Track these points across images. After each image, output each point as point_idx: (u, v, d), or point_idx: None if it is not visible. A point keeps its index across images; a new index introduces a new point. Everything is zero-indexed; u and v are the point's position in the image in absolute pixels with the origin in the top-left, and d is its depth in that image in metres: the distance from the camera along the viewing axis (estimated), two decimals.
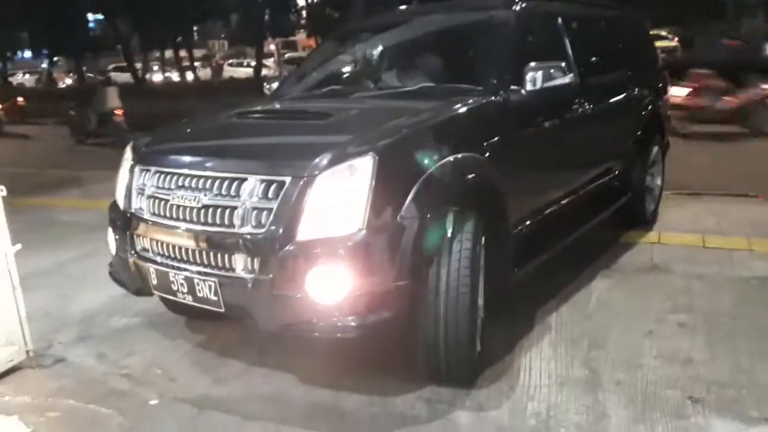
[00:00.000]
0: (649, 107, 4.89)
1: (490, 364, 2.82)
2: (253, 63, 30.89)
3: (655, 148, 5.00)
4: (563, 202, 3.75)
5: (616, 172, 4.52)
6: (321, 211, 2.35)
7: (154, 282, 2.72)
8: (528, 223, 3.33)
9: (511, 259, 3.04)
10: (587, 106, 3.84)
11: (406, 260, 2.38)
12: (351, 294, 2.31)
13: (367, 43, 4.28)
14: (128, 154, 3.01)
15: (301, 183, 2.34)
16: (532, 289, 3.60)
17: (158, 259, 2.71)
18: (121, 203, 2.94)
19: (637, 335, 3.06)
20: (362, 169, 2.35)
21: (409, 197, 2.41)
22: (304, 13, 31.04)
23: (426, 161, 2.55)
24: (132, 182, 2.87)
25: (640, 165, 4.73)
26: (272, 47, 36.73)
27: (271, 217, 2.36)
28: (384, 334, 2.52)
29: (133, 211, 2.83)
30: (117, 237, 2.94)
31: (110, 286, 3.79)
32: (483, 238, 2.69)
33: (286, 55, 34.61)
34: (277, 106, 3.65)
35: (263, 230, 2.37)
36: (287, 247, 2.33)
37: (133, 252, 2.81)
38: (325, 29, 28.54)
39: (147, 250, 2.77)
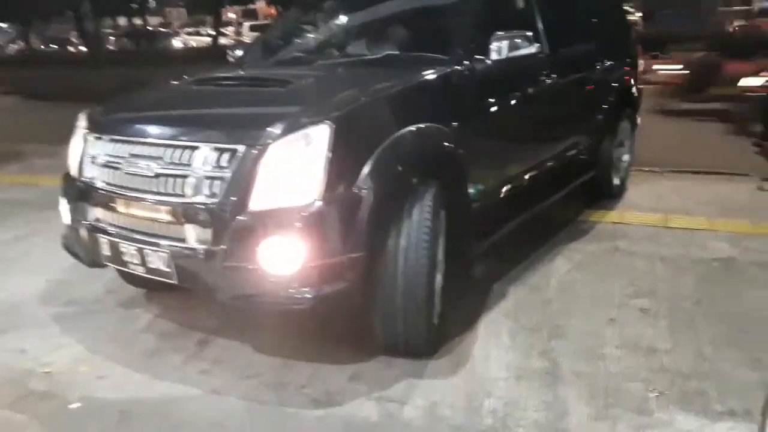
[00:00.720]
0: (621, 81, 4.85)
1: (445, 355, 2.67)
2: (212, 32, 29.91)
3: (625, 122, 4.92)
4: (529, 174, 3.69)
5: (584, 146, 4.45)
6: (275, 180, 2.29)
7: (106, 253, 2.64)
8: (493, 195, 3.27)
9: (473, 232, 3.01)
10: (556, 78, 3.77)
11: (362, 231, 2.33)
12: (305, 265, 2.26)
13: (332, 10, 4.20)
14: (82, 122, 2.90)
15: (255, 152, 2.28)
16: (490, 271, 3.47)
17: (110, 229, 2.63)
18: (73, 172, 2.85)
19: (598, 322, 2.93)
20: (317, 138, 2.29)
21: (366, 167, 2.36)
22: None
23: (384, 131, 2.50)
24: (85, 151, 2.79)
25: (609, 140, 4.67)
26: (231, 15, 35.73)
27: (224, 187, 2.30)
28: (339, 306, 2.45)
29: (85, 180, 2.75)
30: (70, 207, 2.85)
31: (46, 270, 3.59)
32: (443, 210, 2.66)
33: (246, 24, 33.70)
34: (237, 73, 3.51)
35: (216, 200, 2.32)
36: (240, 217, 2.28)
37: (85, 222, 2.74)
38: None
39: (99, 221, 2.70)
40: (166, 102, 3.12)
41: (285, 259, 2.26)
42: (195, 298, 3.23)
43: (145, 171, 2.47)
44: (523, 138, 3.66)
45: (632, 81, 5.10)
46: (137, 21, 30.69)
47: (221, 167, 2.33)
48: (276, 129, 2.30)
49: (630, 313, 3.01)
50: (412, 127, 2.60)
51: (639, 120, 5.38)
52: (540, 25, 3.70)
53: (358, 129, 2.45)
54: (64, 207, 2.90)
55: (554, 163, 4.04)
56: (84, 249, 2.79)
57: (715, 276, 3.43)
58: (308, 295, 2.29)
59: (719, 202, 4.76)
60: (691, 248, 3.83)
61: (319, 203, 2.26)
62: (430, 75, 2.93)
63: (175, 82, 3.43)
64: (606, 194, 4.84)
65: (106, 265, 2.77)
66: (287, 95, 2.80)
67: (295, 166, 2.30)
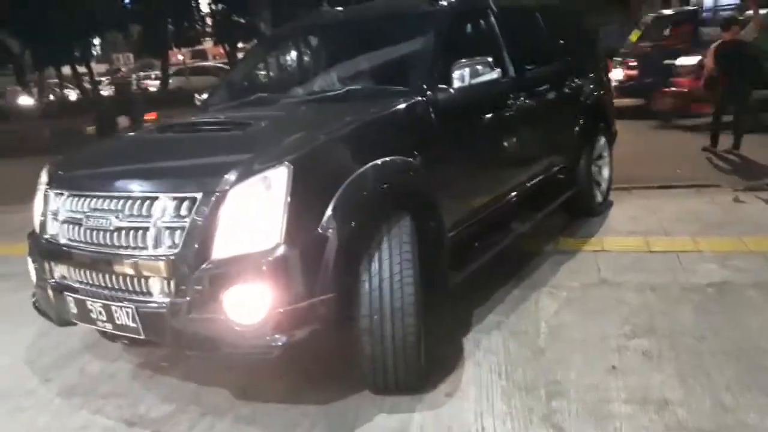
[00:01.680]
0: (592, 98, 4.76)
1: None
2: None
3: (601, 139, 4.85)
4: (503, 201, 3.62)
5: (560, 167, 4.33)
6: (236, 226, 2.23)
7: (74, 311, 2.57)
8: (466, 224, 3.21)
9: (448, 264, 2.94)
10: (524, 101, 3.70)
11: (331, 272, 2.26)
12: (272, 312, 2.18)
13: (295, 48, 4.30)
14: (43, 178, 2.85)
15: (213, 199, 2.22)
16: (472, 317, 3.18)
17: (76, 286, 2.57)
18: (37, 229, 2.81)
19: (599, 372, 2.63)
20: (277, 180, 2.23)
21: (330, 206, 2.30)
22: (209, 20, 29.59)
23: (347, 168, 2.44)
24: (47, 207, 2.74)
25: (586, 158, 4.56)
26: (180, 57, 35.19)
27: (184, 237, 2.24)
28: (312, 350, 2.43)
29: (48, 237, 2.70)
30: (36, 266, 2.80)
31: None
32: (416, 242, 2.56)
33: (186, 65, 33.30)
34: (195, 119, 3.40)
35: (177, 250, 2.25)
36: (202, 267, 2.21)
37: (52, 280, 2.67)
38: (233, 36, 27.39)
39: (65, 278, 2.63)
40: (125, 153, 3.05)
41: (251, 307, 2.18)
42: (144, 376, 2.88)
43: (106, 225, 2.41)
44: (495, 163, 3.57)
45: (603, 95, 5.02)
46: (81, 69, 29.97)
47: (181, 217, 2.26)
48: (234, 174, 2.23)
49: (632, 358, 2.72)
50: (378, 161, 2.53)
51: (615, 132, 5.31)
52: (504, 50, 3.63)
53: (318, 169, 2.38)
54: (30, 266, 2.84)
55: (530, 186, 3.92)
56: (52, 308, 2.69)
57: (712, 304, 3.18)
58: (279, 343, 2.20)
59: (697, 219, 4.57)
60: (680, 273, 3.59)
61: (282, 247, 2.19)
62: (390, 108, 2.86)
63: (134, 132, 3.32)
64: (589, 211, 4.73)
65: (75, 324, 2.66)
66: (246, 138, 2.73)
67: (256, 210, 2.23)
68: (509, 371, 2.70)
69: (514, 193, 3.70)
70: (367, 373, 2.49)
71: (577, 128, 4.47)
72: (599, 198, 4.83)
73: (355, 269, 2.37)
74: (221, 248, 2.21)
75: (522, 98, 3.66)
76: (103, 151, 3.26)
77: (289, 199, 2.20)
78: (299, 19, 4.68)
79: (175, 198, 2.28)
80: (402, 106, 2.88)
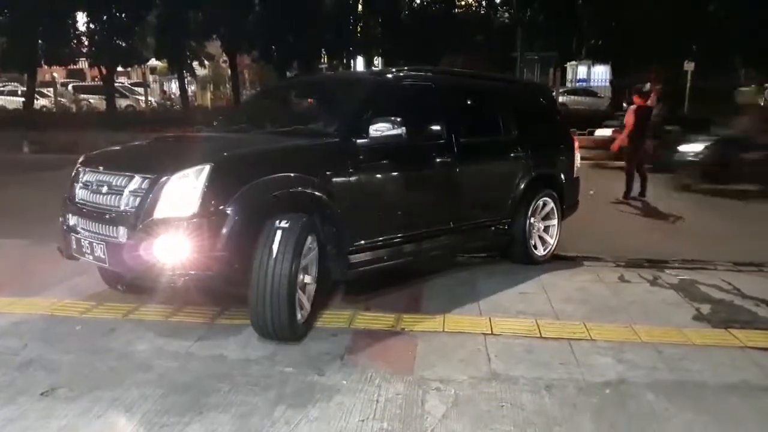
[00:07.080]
0: (539, 166, 5.35)
1: None
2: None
3: (546, 201, 5.47)
4: (419, 231, 4.40)
5: (494, 219, 5.07)
6: (171, 199, 3.30)
7: (74, 247, 3.74)
8: (374, 240, 4.06)
9: (346, 262, 3.87)
10: (451, 159, 4.59)
11: (225, 238, 3.29)
12: (183, 255, 3.27)
13: (276, 96, 5.85)
14: (80, 160, 4.01)
15: (161, 180, 3.34)
16: (352, 418, 2.70)
17: (78, 229, 3.71)
18: (67, 194, 3.91)
19: None
20: (201, 172, 3.31)
21: (235, 196, 3.32)
22: (85, 40, 27.23)
23: (257, 172, 3.47)
24: (75, 178, 3.90)
25: (523, 214, 5.21)
26: (55, 75, 32.59)
27: (141, 201, 3.37)
28: (210, 287, 3.54)
29: (70, 197, 3.87)
30: (61, 219, 3.88)
31: None
32: (315, 241, 3.64)
33: (70, 86, 31.15)
34: (183, 134, 5.28)
35: (134, 209, 3.39)
36: (146, 221, 3.32)
37: (65, 227, 3.83)
38: (110, 60, 25.48)
39: (75, 225, 3.74)
40: (126, 150, 4.43)
41: (171, 250, 3.26)
42: None
43: (101, 190, 3.61)
44: (408, 201, 4.32)
45: (553, 165, 5.65)
46: None
47: (142, 189, 3.39)
48: (177, 165, 3.37)
49: None
50: (289, 174, 3.59)
51: (575, 204, 5.97)
52: (441, 117, 4.55)
53: (233, 169, 3.49)
54: (60, 220, 3.91)
55: (453, 227, 4.68)
56: (64, 246, 3.86)
57: (612, 411, 2.86)
58: (186, 277, 3.29)
59: (585, 300, 4.39)
60: (575, 368, 3.29)
61: (196, 215, 3.26)
62: (310, 140, 4.02)
63: (144, 140, 4.79)
64: (527, 261, 5.29)
65: (74, 257, 3.80)
66: (203, 147, 3.99)
67: (185, 190, 3.30)
68: None
69: (432, 228, 4.51)
70: (252, 321, 3.48)
71: (517, 192, 5.16)
72: (541, 252, 5.44)
73: (250, 241, 3.34)
74: (159, 211, 3.30)
75: (447, 157, 4.56)
76: (118, 149, 4.45)
77: (205, 185, 3.28)
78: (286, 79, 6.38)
79: (142, 177, 3.43)
80: (321, 141, 4.01)
